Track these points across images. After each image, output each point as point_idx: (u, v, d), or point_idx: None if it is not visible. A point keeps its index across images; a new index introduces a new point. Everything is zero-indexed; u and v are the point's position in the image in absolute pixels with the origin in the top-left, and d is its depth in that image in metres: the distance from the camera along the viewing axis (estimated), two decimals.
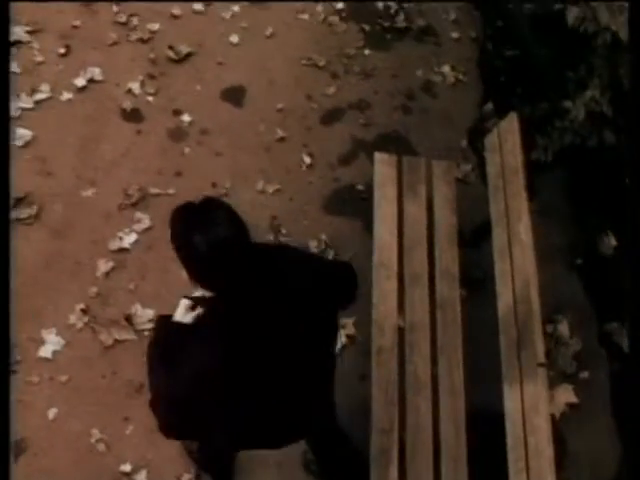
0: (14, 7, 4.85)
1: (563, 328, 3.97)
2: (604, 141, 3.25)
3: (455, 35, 4.92)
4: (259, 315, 2.41)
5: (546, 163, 3.54)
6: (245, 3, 4.93)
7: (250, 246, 2.38)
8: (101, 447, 3.59)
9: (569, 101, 3.30)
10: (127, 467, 3.55)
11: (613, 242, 4.15)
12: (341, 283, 2.72)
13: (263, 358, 2.43)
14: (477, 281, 3.90)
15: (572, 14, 2.95)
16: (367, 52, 4.80)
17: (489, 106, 4.59)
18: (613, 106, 3.13)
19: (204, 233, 2.27)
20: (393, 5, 4.98)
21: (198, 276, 2.37)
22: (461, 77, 4.75)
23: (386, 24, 4.91)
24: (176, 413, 2.43)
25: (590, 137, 3.28)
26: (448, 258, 3.65)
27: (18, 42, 4.73)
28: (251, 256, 2.37)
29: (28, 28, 4.78)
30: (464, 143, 4.51)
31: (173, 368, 2.40)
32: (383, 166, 3.86)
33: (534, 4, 3.35)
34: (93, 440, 3.59)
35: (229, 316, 2.41)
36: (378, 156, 3.89)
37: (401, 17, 4.94)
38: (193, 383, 2.36)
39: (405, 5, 4.99)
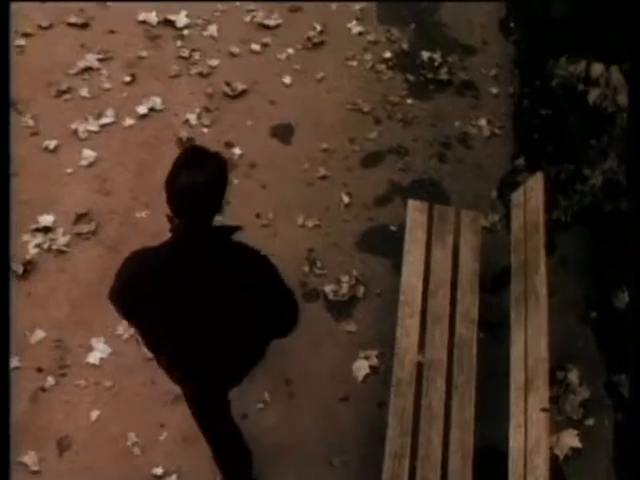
0: (87, 35, 5.33)
1: (573, 376, 4.25)
2: (619, 208, 3.56)
3: (494, 90, 5.25)
4: (185, 271, 2.86)
5: (566, 223, 3.85)
6: (299, 47, 5.31)
7: (214, 205, 2.80)
8: (136, 450, 3.95)
9: (589, 169, 3.61)
10: (159, 471, 3.91)
11: (627, 298, 4.42)
12: (280, 316, 3.09)
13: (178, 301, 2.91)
14: (495, 325, 4.20)
15: (593, 95, 3.27)
16: (409, 101, 5.16)
17: (520, 161, 4.90)
18: (628, 177, 3.44)
19: (180, 174, 2.71)
20: (437, 58, 5.32)
21: (169, 206, 2.79)
22: (496, 131, 5.08)
23: (429, 75, 5.26)
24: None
25: (606, 203, 3.58)
26: (468, 302, 3.97)
27: (89, 68, 5.18)
28: (211, 216, 2.81)
29: (99, 56, 5.23)
30: (494, 194, 4.83)
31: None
32: (415, 212, 4.21)
33: (561, 78, 3.68)
34: (129, 443, 3.96)
35: (167, 250, 2.89)
36: (411, 203, 4.24)
37: (444, 70, 5.28)
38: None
39: (449, 59, 5.34)
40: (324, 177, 4.81)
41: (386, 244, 4.58)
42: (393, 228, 4.63)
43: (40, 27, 5.37)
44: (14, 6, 5.35)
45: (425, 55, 5.35)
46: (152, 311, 2.98)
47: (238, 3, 5.50)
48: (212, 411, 3.52)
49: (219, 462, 3.80)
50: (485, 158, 5.00)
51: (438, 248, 4.11)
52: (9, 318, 3.16)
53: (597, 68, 3.31)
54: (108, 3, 5.48)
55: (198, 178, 2.70)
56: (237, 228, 2.90)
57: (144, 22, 5.38)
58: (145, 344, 3.26)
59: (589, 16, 4.84)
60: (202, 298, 2.91)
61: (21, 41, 5.31)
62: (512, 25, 5.54)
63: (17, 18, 5.36)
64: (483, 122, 5.11)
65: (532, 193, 3.94)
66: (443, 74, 5.27)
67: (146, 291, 2.93)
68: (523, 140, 5.04)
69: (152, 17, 5.39)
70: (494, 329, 4.17)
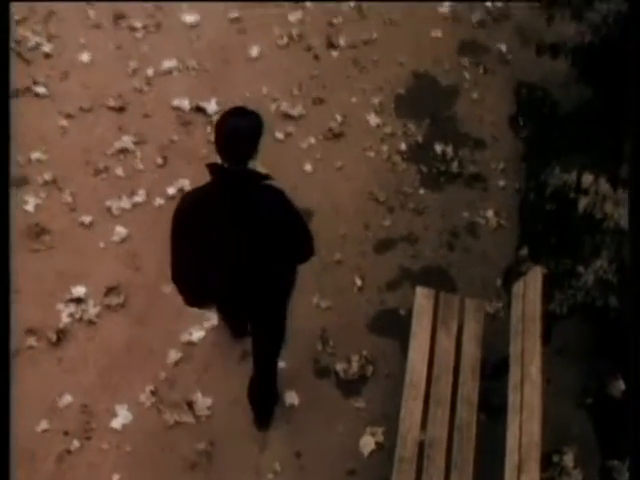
0: (124, 118, 5.82)
1: (568, 459, 4.56)
2: (609, 304, 3.92)
3: (501, 183, 5.67)
4: (225, 203, 3.53)
5: (561, 314, 4.22)
6: (321, 136, 5.78)
7: (250, 149, 3.51)
8: None
9: (582, 266, 3.99)
10: None
11: (622, 386, 4.75)
12: (299, 244, 3.80)
13: (214, 231, 3.56)
14: (494, 408, 4.53)
15: (582, 203, 3.68)
16: (422, 191, 5.59)
17: (524, 251, 5.29)
18: (618, 276, 3.82)
19: (227, 120, 3.46)
20: (449, 151, 5.77)
21: (215, 146, 3.51)
22: (502, 222, 5.49)
23: (441, 168, 5.70)
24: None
25: (597, 299, 3.95)
26: (469, 386, 4.33)
27: (125, 150, 5.66)
28: (244, 161, 3.50)
29: (134, 139, 5.71)
30: (499, 282, 5.21)
31: None
32: (423, 299, 4.59)
33: (554, 186, 4.07)
34: None
35: (208, 188, 3.58)
36: (419, 290, 4.63)
37: (455, 163, 5.72)
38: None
39: (460, 152, 5.78)
40: (339, 262, 5.22)
41: (395, 327, 4.96)
42: (402, 312, 5.01)
43: (81, 109, 5.88)
44: (62, 86, 5.92)
45: (438, 148, 5.79)
46: (196, 236, 3.61)
47: (265, 91, 6.00)
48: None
49: (262, 395, 4.50)
50: (491, 248, 5.39)
51: (443, 334, 4.48)
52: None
53: (587, 178, 3.72)
54: (144, 89, 5.99)
55: (239, 124, 3.46)
56: (267, 176, 3.62)
57: (177, 108, 5.87)
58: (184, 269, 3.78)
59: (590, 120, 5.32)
60: (236, 226, 3.56)
61: (63, 122, 5.81)
62: (521, 122, 5.98)
63: (62, 100, 5.91)
64: (490, 213, 5.52)
65: (530, 286, 4.32)
66: (454, 167, 5.71)
67: (192, 218, 3.61)
68: (527, 232, 5.44)
69: (185, 104, 5.89)
70: (493, 412, 4.51)
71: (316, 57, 6.21)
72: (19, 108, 5.88)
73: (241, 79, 6.04)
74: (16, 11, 6.45)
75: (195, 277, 3.74)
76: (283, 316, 4.15)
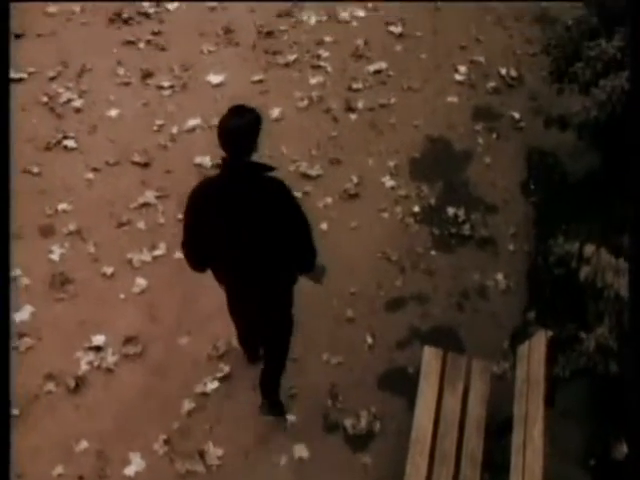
0: (148, 173, 6.08)
1: None
2: (609, 370, 4.07)
3: (511, 247, 5.86)
4: (229, 193, 3.95)
5: (565, 378, 4.36)
6: (337, 196, 6.01)
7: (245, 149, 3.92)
8: None
9: (585, 331, 4.15)
10: None
11: (625, 449, 4.85)
12: (300, 256, 4.28)
13: (219, 219, 3.99)
14: (498, 467, 4.65)
15: (584, 272, 3.85)
16: (433, 253, 5.78)
17: (532, 314, 5.45)
18: (618, 343, 3.97)
19: (227, 119, 3.88)
20: (461, 214, 5.97)
21: (219, 143, 3.92)
22: (511, 285, 5.66)
23: (453, 230, 5.90)
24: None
25: (598, 365, 4.09)
26: (474, 445, 4.46)
27: (147, 204, 5.91)
28: (244, 155, 3.92)
29: (157, 193, 5.96)
30: (506, 344, 5.36)
31: None
32: (430, 358, 4.76)
33: (557, 255, 4.26)
34: None
35: (216, 179, 4.03)
36: (427, 349, 4.80)
37: (467, 226, 5.92)
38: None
39: (472, 215, 5.98)
40: (351, 319, 5.40)
41: (403, 385, 5.11)
42: (411, 370, 5.17)
43: (107, 163, 6.15)
44: (90, 141, 6.19)
45: (450, 211, 6.00)
46: (206, 222, 4.06)
47: (285, 151, 6.25)
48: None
49: (272, 380, 4.81)
50: (500, 310, 5.56)
51: (449, 393, 4.63)
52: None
53: (589, 248, 3.90)
54: (169, 145, 6.26)
55: (239, 122, 3.87)
56: (271, 168, 4.00)
57: (199, 165, 6.13)
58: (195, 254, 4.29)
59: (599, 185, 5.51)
60: (242, 212, 3.98)
61: (90, 175, 6.08)
62: (532, 188, 6.19)
63: (90, 154, 6.19)
64: (500, 276, 5.69)
65: (535, 349, 4.47)
66: (466, 230, 5.91)
67: (201, 200, 4.06)
68: (536, 295, 5.61)
69: (206, 161, 6.15)
70: (497, 471, 4.62)
71: (335, 119, 6.48)
72: (49, 160, 6.19)
73: (261, 139, 6.26)
74: (50, 67, 6.80)
75: (199, 247, 4.22)
76: (288, 305, 4.55)
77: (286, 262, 4.24)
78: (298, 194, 5.98)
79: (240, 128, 3.87)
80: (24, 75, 6.79)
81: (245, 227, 3.99)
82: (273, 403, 4.94)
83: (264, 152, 6.15)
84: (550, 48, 5.45)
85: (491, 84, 6.85)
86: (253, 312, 4.49)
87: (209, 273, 5.50)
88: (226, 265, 4.24)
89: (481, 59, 7.03)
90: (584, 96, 4.82)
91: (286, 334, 4.68)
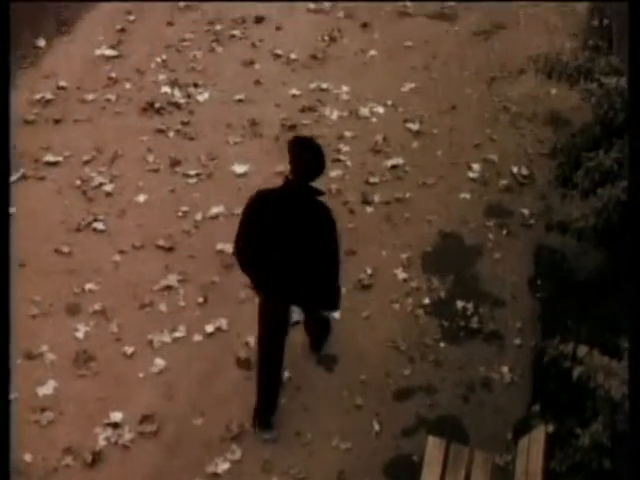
0: (171, 257, 6.41)
1: None
2: (603, 467, 4.26)
3: (518, 341, 6.11)
4: (287, 209, 4.83)
5: (561, 473, 4.55)
6: (351, 287, 6.30)
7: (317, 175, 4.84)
8: None
9: (581, 428, 4.36)
10: None
11: None
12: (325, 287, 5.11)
13: (273, 228, 4.86)
14: None
15: (577, 372, 4.09)
16: (442, 344, 6.04)
17: (536, 407, 5.66)
18: (612, 440, 4.17)
19: (304, 150, 4.81)
20: (470, 308, 6.25)
21: (290, 165, 4.82)
22: (516, 379, 5.89)
23: (462, 323, 6.17)
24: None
25: (593, 461, 4.29)
26: None
27: (169, 287, 6.25)
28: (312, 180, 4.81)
29: (179, 277, 6.30)
30: (509, 435, 5.56)
31: None
32: (434, 448, 4.98)
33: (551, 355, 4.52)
34: None
35: (276, 193, 4.89)
36: (431, 439, 5.03)
37: (475, 319, 6.19)
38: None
39: (480, 309, 6.25)
40: (359, 406, 5.64)
41: (408, 473, 5.31)
42: (416, 458, 5.37)
43: (134, 246, 6.52)
44: (118, 224, 6.57)
45: (460, 304, 6.28)
46: (260, 226, 4.90)
47: None
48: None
49: (270, 389, 5.35)
50: (504, 402, 5.78)
51: None
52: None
53: (582, 349, 4.15)
54: (192, 231, 6.63)
55: (314, 154, 4.80)
56: (322, 192, 4.88)
57: (221, 251, 6.48)
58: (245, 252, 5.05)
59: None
60: (292, 224, 4.83)
61: (117, 257, 6.44)
62: (539, 284, 6.46)
63: (117, 236, 6.56)
64: (505, 369, 5.93)
65: (534, 443, 4.69)
66: (474, 323, 6.17)
67: (259, 211, 4.91)
68: (540, 389, 5.82)
69: (228, 247, 6.48)
70: None
71: (352, 212, 6.83)
72: (79, 241, 6.56)
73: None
74: (85, 152, 7.24)
75: (249, 250, 5.00)
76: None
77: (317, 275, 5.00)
78: None
79: (316, 157, 4.80)
80: (60, 159, 7.24)
81: (291, 235, 4.84)
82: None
83: None
84: (557, 152, 5.80)
85: (503, 182, 7.20)
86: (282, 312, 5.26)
87: (228, 353, 5.81)
88: (266, 265, 4.99)
89: (494, 158, 7.40)
90: (584, 202, 5.14)
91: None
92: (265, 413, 5.40)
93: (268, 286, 5.13)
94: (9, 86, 4.54)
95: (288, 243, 4.88)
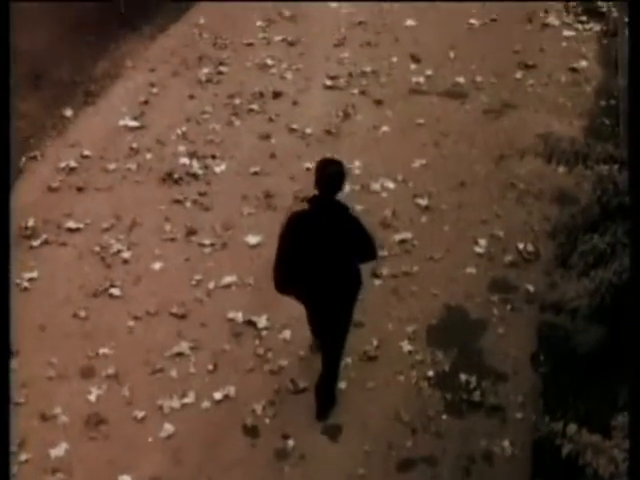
0: (183, 324, 6.64)
1: None
2: None
3: (519, 416, 6.25)
4: (320, 221, 5.56)
5: None
6: (356, 357, 6.50)
7: (338, 189, 5.58)
8: None
9: None
10: None
11: None
12: (365, 248, 5.71)
13: (311, 240, 5.57)
14: None
15: (566, 449, 4.25)
16: (444, 417, 6.20)
17: None
18: None
19: (326, 167, 5.61)
20: (473, 381, 6.41)
21: (315, 183, 5.57)
22: (517, 452, 6.02)
23: (464, 396, 6.32)
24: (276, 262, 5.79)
25: None
26: None
27: (181, 354, 6.47)
28: (335, 194, 5.55)
29: (190, 345, 6.53)
30: None
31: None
32: None
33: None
34: None
35: (308, 210, 5.64)
36: None
37: (478, 393, 6.35)
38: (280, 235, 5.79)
39: (483, 383, 6.41)
40: (362, 476, 5.79)
41: None
42: None
43: (148, 313, 6.78)
44: (134, 290, 6.81)
45: (463, 377, 6.45)
46: (295, 241, 5.65)
47: None
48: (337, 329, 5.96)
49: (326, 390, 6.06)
50: (505, 475, 5.90)
51: None
52: None
53: (571, 428, 4.31)
54: (205, 299, 6.87)
55: (336, 169, 5.56)
56: (347, 207, 5.60)
57: (232, 320, 6.72)
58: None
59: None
60: (324, 235, 5.55)
61: (131, 322, 6.70)
62: (541, 359, 6.63)
63: (132, 303, 6.82)
64: (506, 443, 6.06)
65: None
66: (476, 396, 6.33)
67: (295, 229, 5.68)
68: (540, 464, 5.93)
69: (239, 316, 6.74)
70: None
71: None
72: (96, 306, 6.83)
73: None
74: (105, 219, 7.56)
75: (286, 270, 5.71)
76: (349, 319, 5.97)
77: (352, 275, 5.79)
78: None
79: (337, 173, 5.54)
80: (81, 225, 7.57)
81: (327, 243, 5.54)
82: (329, 399, 6.11)
83: (292, 311, 6.73)
84: (557, 232, 6.03)
85: (508, 258, 7.41)
86: (324, 314, 5.91)
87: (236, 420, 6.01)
88: (308, 277, 5.69)
89: (500, 233, 7.63)
90: (580, 282, 5.34)
91: (344, 332, 5.99)
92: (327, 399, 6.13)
93: (310, 293, 5.86)
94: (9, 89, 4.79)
95: (324, 250, 5.58)
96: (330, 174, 5.51)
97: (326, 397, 6.10)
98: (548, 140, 5.69)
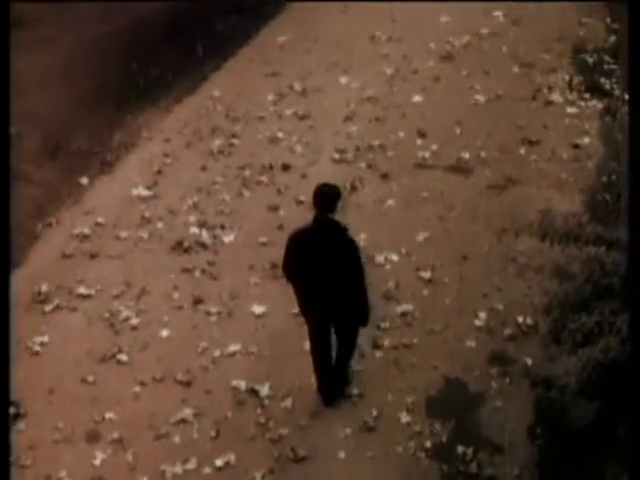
0: (189, 392, 6.86)
1: None
2: None
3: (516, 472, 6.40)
4: (318, 237, 6.34)
5: None
6: (356, 428, 6.68)
7: (331, 208, 6.31)
8: None
9: None
10: None
11: None
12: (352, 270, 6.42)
13: (310, 252, 6.38)
14: None
15: None
16: None
17: None
18: None
19: (320, 188, 6.41)
20: (470, 453, 6.56)
21: (313, 203, 6.39)
22: None
23: (461, 468, 6.47)
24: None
25: None
26: None
27: (184, 420, 6.70)
28: (330, 212, 6.30)
29: (194, 411, 6.76)
30: None
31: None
32: None
33: None
34: None
35: (310, 227, 6.38)
36: None
37: (474, 464, 6.49)
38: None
39: (479, 455, 6.56)
40: None
41: None
42: None
43: (154, 379, 7.01)
44: (141, 357, 7.05)
45: (460, 449, 6.60)
46: (298, 257, 6.45)
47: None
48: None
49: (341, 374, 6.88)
50: None
51: None
52: None
53: None
54: (210, 367, 7.10)
55: (331, 190, 6.38)
56: (345, 227, 6.34)
57: (235, 388, 6.94)
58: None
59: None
60: (323, 252, 6.30)
61: (137, 388, 6.95)
62: (538, 432, 6.78)
63: (139, 369, 7.05)
64: None
65: None
66: (473, 468, 6.48)
67: (296, 247, 6.48)
68: None
69: (242, 385, 6.96)
70: None
71: (362, 355, 7.25)
72: (103, 371, 7.08)
73: (294, 367, 7.09)
74: (115, 286, 7.85)
75: (293, 269, 6.55)
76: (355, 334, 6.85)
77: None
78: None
79: (331, 194, 6.33)
80: (92, 292, 7.87)
81: (324, 258, 6.29)
82: (342, 382, 6.89)
83: (294, 380, 6.92)
84: (551, 308, 6.25)
85: (508, 331, 7.61)
86: (326, 312, 6.60)
87: None
88: (308, 281, 6.48)
89: (500, 307, 7.84)
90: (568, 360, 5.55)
91: (355, 320, 6.71)
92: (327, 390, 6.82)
93: (309, 306, 6.61)
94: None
95: (321, 265, 6.32)
96: (323, 194, 6.31)
97: (337, 380, 6.88)
98: (543, 219, 5.95)
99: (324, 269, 6.32)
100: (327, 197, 6.28)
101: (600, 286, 5.38)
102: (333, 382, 6.85)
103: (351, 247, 6.35)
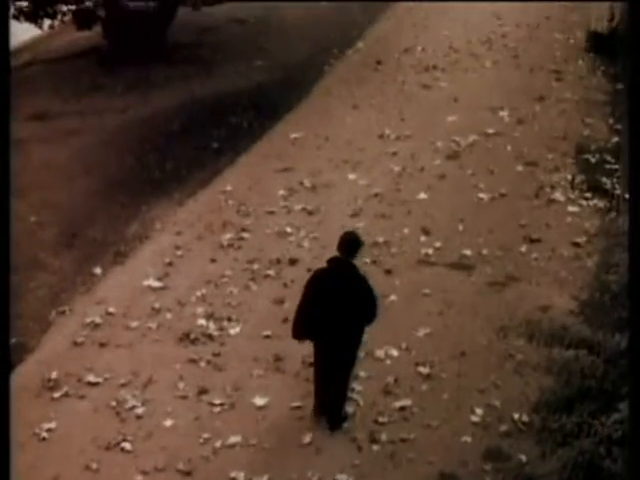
0: None
1: None
2: None
3: None
4: (334, 277, 7.35)
5: None
6: None
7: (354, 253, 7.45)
8: None
9: None
10: None
11: None
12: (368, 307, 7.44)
13: (327, 292, 7.33)
14: None
15: None
16: None
17: None
18: None
19: (348, 235, 7.61)
20: None
21: (337, 248, 7.42)
22: None
23: None
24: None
25: None
26: None
27: None
28: (351, 256, 7.41)
29: None
30: None
31: None
32: None
33: None
34: None
35: (328, 267, 7.44)
36: None
37: None
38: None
39: None
40: None
41: None
42: None
43: (155, 468, 7.28)
44: (144, 445, 7.32)
45: None
46: (317, 295, 7.34)
47: None
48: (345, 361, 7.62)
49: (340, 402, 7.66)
50: None
51: None
52: None
53: None
54: (210, 457, 7.36)
55: (357, 238, 7.42)
56: (358, 268, 7.36)
57: (234, 479, 7.16)
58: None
59: None
60: (339, 290, 7.26)
61: (139, 477, 7.20)
62: None
63: (142, 457, 7.31)
64: None
65: None
66: None
67: (317, 285, 7.37)
68: None
69: (241, 476, 7.15)
70: None
71: (359, 448, 7.50)
72: (107, 459, 7.35)
73: (292, 459, 7.34)
74: (123, 375, 8.18)
75: (305, 319, 7.35)
76: (355, 355, 7.70)
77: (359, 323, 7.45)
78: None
79: (354, 240, 7.34)
80: (100, 380, 8.20)
81: (341, 297, 7.21)
82: (339, 419, 7.63)
83: None
84: (540, 407, 6.49)
85: (504, 427, 7.80)
86: (333, 355, 7.44)
87: None
88: (322, 324, 7.32)
89: (497, 403, 8.06)
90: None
91: (352, 364, 7.67)
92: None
93: (324, 337, 7.40)
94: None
95: (338, 300, 7.22)
96: (348, 240, 7.34)
97: (336, 415, 7.66)
98: (529, 323, 6.27)
99: (341, 298, 7.25)
100: (353, 244, 7.30)
101: (580, 388, 5.65)
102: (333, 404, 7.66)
103: (363, 277, 7.36)
